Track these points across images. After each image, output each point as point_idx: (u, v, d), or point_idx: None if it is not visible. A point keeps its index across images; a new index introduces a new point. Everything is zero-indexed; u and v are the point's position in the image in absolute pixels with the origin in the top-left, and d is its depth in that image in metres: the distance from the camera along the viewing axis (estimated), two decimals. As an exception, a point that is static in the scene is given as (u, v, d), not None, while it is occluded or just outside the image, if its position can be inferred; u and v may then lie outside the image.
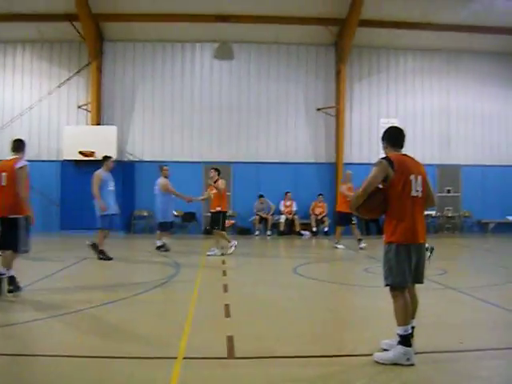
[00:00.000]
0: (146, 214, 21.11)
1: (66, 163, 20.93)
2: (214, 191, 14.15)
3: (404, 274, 5.33)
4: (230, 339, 6.00)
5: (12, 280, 8.51)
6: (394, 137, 5.87)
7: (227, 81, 22.40)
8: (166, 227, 15.24)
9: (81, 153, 20.26)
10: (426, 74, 22.98)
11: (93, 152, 20.00)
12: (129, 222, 21.46)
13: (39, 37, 21.69)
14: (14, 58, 22.17)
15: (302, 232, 21.13)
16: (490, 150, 23.08)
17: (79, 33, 20.74)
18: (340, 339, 6.25)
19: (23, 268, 11.45)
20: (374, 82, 22.81)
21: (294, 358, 5.51)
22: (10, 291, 8.44)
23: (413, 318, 5.46)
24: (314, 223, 21.30)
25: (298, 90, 22.47)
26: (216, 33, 21.81)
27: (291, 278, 10.88)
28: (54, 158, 21.47)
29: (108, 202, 12.90)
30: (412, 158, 5.67)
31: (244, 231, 21.33)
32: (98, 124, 21.46)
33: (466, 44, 22.44)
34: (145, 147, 21.92)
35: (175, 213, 19.39)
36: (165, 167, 15.43)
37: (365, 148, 22.35)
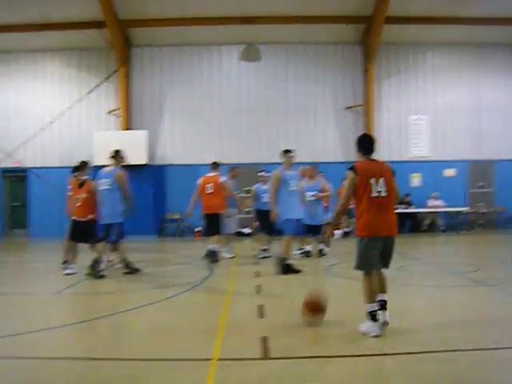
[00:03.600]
0: (177, 216, 21.20)
1: (97, 169, 21.11)
2: (84, 195, 11.73)
3: (367, 262, 6.25)
4: (265, 340, 5.99)
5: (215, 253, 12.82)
6: (363, 145, 6.58)
7: (255, 82, 22.43)
8: (317, 231, 14.03)
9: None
10: (454, 69, 22.72)
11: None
12: (160, 225, 21.61)
13: (68, 45, 21.98)
14: (44, 66, 22.50)
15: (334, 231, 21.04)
16: (524, 144, 22.74)
17: (107, 40, 20.97)
18: (375, 338, 6.19)
19: (55, 273, 11.56)
20: (403, 78, 22.63)
21: (329, 358, 5.48)
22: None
23: (384, 292, 6.35)
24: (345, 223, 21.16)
25: (325, 89, 22.40)
26: (242, 34, 21.87)
27: (324, 278, 10.83)
28: (86, 164, 21.69)
29: (290, 205, 11.07)
30: (377, 163, 6.46)
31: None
32: (128, 129, 21.67)
33: (494, 37, 22.17)
34: (175, 151, 22.03)
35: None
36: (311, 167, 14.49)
37: (394, 146, 22.16)
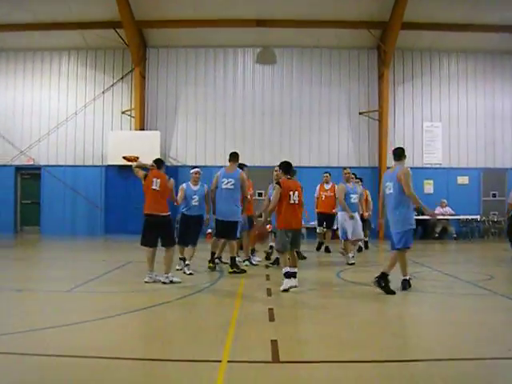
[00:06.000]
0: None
1: (110, 168, 21.22)
2: None
3: (283, 244, 9.45)
4: (274, 343, 5.95)
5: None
6: (285, 169, 9.87)
7: (269, 85, 22.43)
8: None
9: (124, 158, 20.48)
10: (470, 75, 22.61)
11: (136, 157, 20.16)
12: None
13: (84, 44, 22.11)
14: (59, 65, 22.65)
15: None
16: (538, 153, 22.55)
17: (123, 40, 21.07)
18: (384, 345, 6.15)
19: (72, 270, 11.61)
20: (418, 84, 22.53)
21: (338, 363, 5.46)
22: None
23: (295, 266, 9.56)
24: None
25: (340, 93, 22.36)
26: (258, 38, 21.89)
27: (334, 283, 10.79)
28: (98, 163, 21.82)
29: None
30: (293, 181, 9.87)
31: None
32: (142, 129, 21.74)
33: (511, 45, 22.04)
34: (188, 152, 22.07)
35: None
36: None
37: (408, 151, 21.54)
